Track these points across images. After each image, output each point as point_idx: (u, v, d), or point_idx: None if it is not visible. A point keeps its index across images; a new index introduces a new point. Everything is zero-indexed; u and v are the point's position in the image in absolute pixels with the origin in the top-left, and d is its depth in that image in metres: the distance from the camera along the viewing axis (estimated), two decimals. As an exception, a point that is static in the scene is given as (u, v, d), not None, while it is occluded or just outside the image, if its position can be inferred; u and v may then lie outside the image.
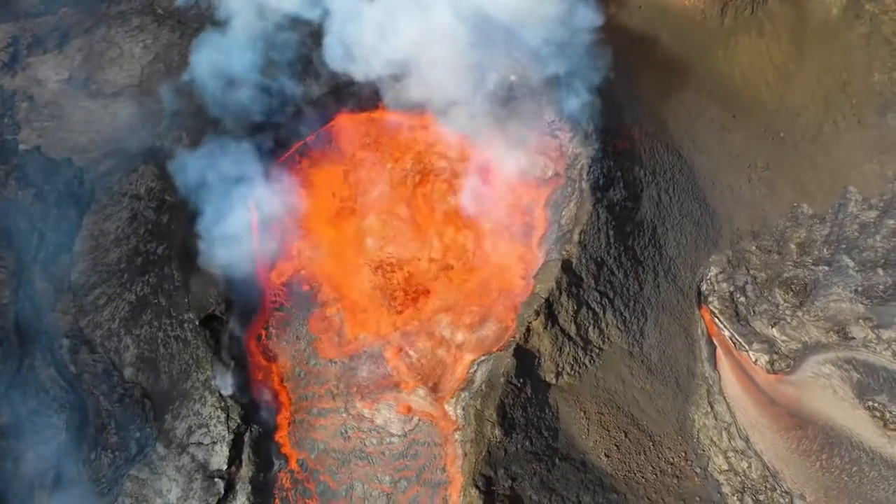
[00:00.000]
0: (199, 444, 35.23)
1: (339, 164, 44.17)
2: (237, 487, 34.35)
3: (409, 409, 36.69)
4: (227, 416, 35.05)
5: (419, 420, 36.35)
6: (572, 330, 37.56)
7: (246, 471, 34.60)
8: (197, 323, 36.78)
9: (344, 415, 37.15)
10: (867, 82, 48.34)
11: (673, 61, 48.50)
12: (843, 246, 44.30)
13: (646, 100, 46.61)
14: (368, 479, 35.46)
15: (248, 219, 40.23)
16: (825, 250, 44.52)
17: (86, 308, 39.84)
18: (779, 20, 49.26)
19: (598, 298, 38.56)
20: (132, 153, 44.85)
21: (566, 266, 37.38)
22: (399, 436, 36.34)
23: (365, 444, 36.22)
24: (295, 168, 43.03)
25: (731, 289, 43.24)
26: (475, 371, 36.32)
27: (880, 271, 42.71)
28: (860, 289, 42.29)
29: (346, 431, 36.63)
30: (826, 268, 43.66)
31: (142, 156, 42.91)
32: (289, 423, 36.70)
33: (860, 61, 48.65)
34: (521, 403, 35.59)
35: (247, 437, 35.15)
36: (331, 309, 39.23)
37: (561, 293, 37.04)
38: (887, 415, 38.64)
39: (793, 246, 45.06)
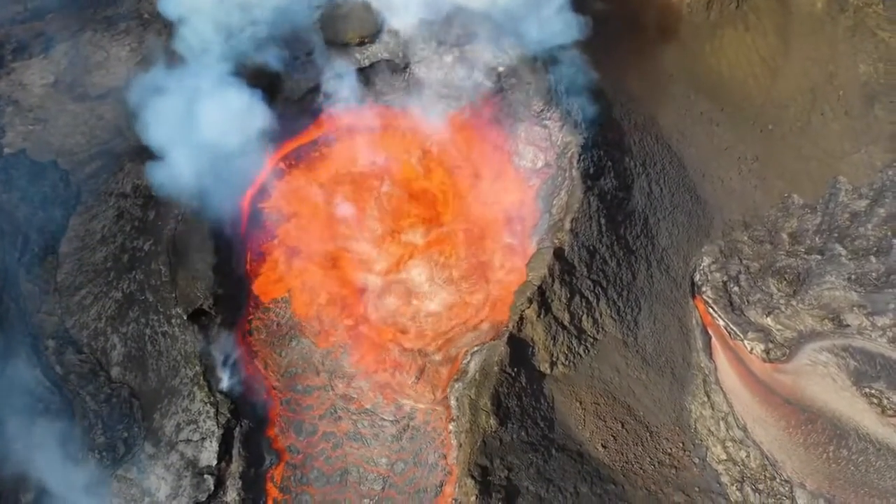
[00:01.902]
0: (188, 440, 34.47)
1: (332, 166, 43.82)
2: (227, 483, 33.55)
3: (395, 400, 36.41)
4: (217, 410, 34.33)
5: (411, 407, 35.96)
6: (566, 319, 37.14)
7: (236, 466, 33.83)
8: (185, 318, 36.12)
9: (331, 393, 36.69)
10: (853, 74, 48.66)
11: (660, 56, 48.69)
12: (835, 235, 44.30)
13: (634, 93, 46.68)
14: (364, 461, 34.84)
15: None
16: (817, 239, 44.50)
17: (72, 308, 39.24)
18: (764, 14, 49.63)
19: (592, 287, 38.20)
20: (119, 154, 44.57)
21: (558, 254, 37.02)
22: (391, 420, 35.82)
23: (357, 426, 35.63)
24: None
25: (725, 278, 43.05)
26: (468, 362, 35.80)
27: (873, 259, 42.71)
28: (853, 277, 42.28)
29: (336, 411, 36.07)
30: (819, 257, 43.59)
31: (129, 154, 42.43)
32: (276, 410, 36.06)
33: (846, 53, 49.01)
34: (515, 393, 35.06)
35: (237, 432, 34.39)
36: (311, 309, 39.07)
37: (554, 281, 36.64)
38: (885, 401, 38.45)
39: (785, 236, 45.02)
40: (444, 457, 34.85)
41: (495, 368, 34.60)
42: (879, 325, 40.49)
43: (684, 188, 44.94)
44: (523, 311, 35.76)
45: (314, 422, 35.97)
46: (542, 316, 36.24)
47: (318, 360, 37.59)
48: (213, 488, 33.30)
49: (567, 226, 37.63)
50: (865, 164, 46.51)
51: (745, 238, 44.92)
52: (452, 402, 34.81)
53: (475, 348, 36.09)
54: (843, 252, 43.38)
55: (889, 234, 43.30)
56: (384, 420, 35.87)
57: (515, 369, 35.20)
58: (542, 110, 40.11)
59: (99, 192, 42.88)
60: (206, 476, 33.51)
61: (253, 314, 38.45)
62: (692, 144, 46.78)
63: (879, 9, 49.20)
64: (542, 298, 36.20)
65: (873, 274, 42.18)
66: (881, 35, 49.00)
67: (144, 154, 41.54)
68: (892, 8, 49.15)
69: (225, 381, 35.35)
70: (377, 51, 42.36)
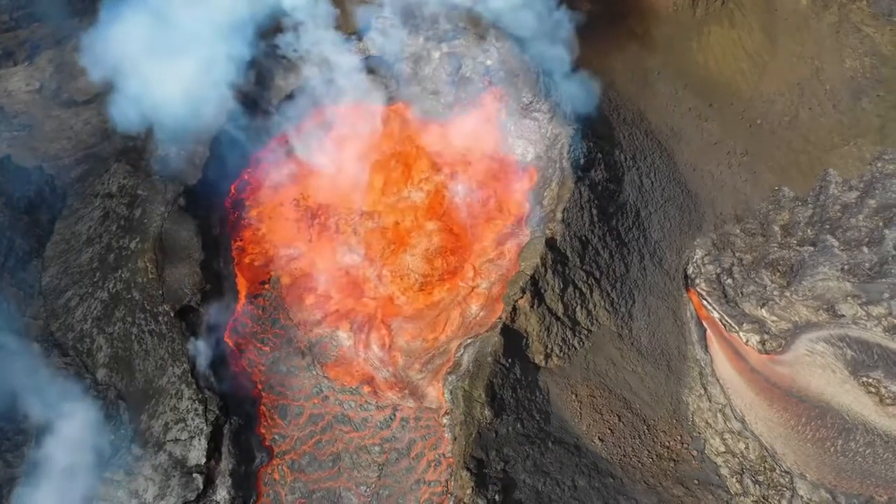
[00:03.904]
0: (177, 440, 33.62)
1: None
2: (217, 481, 32.61)
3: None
4: (206, 407, 33.50)
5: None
6: (559, 310, 36.67)
7: (226, 464, 32.92)
8: (172, 315, 35.42)
9: (315, 371, 36.29)
10: (839, 68, 48.98)
11: (647, 53, 48.78)
12: (827, 226, 44.21)
13: (622, 90, 46.67)
14: (356, 448, 34.09)
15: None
16: (809, 231, 44.38)
17: (57, 311, 38.59)
18: (749, 11, 50.00)
19: (585, 278, 37.80)
20: (105, 158, 44.28)
21: (550, 243, 36.64)
22: (377, 406, 35.17)
23: (344, 408, 35.00)
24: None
25: (718, 271, 42.80)
26: (462, 354, 35.17)
27: (865, 249, 42.61)
28: (846, 267, 42.15)
29: (322, 391, 35.54)
30: (811, 248, 43.46)
31: (115, 155, 42.07)
32: (264, 400, 35.39)
33: (831, 48, 49.37)
34: (510, 384, 34.46)
35: (226, 429, 33.53)
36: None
37: (546, 271, 36.22)
38: (883, 390, 38.23)
39: (777, 228, 44.89)
40: (443, 456, 34.09)
41: (489, 359, 34.03)
42: (874, 314, 40.31)
43: (675, 182, 44.82)
44: (516, 301, 35.27)
45: (300, 402, 35.31)
46: (535, 306, 35.77)
47: (305, 345, 37.11)
48: (202, 487, 32.39)
49: (559, 216, 37.32)
50: (855, 156, 46.63)
51: (738, 231, 44.77)
52: (446, 395, 34.16)
53: (468, 341, 35.52)
54: (836, 243, 43.27)
55: (881, 224, 43.27)
56: (369, 403, 35.25)
57: (509, 360, 34.64)
58: (530, 102, 39.96)
59: (85, 194, 42.44)
60: (194, 475, 32.62)
61: (241, 308, 37.80)
62: (682, 139, 46.78)
63: (863, 5, 49.76)
64: (535, 288, 35.76)
65: (866, 264, 42.06)
66: (866, 30, 49.44)
67: (131, 154, 41.56)
68: (876, 4, 49.69)
69: (213, 378, 34.52)
70: (364, 47, 42.26)
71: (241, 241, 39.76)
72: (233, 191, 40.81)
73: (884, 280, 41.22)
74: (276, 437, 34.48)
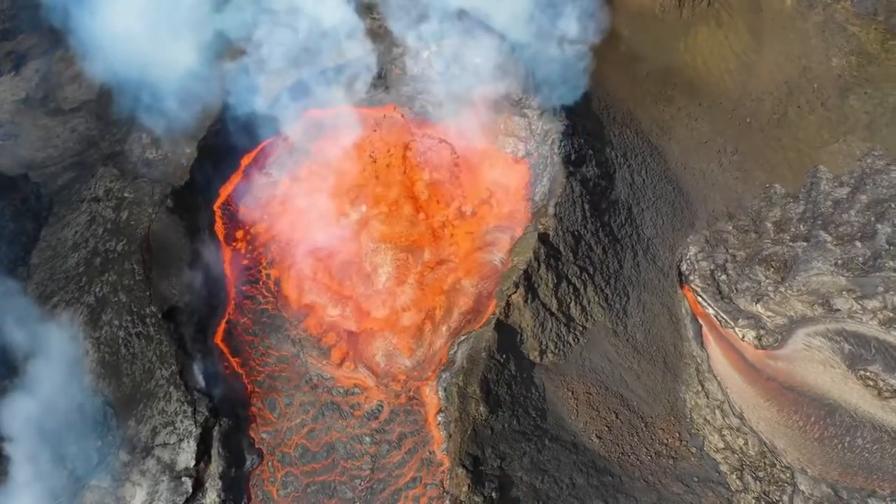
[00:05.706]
0: (165, 444, 32.81)
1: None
2: (207, 485, 31.82)
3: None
4: (195, 409, 32.75)
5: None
6: (553, 305, 36.23)
7: (216, 466, 32.12)
8: (160, 316, 34.75)
9: (303, 358, 35.87)
10: (826, 67, 49.21)
11: (635, 54, 48.92)
12: (819, 222, 44.11)
13: (612, 90, 46.73)
14: (349, 438, 33.35)
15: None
16: (802, 227, 44.27)
17: (43, 317, 37.77)
18: (735, 11, 50.32)
19: (578, 273, 37.42)
20: (91, 165, 43.78)
21: (543, 238, 36.34)
22: (367, 395, 34.67)
23: (332, 395, 34.40)
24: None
25: (712, 267, 42.57)
26: (455, 352, 34.66)
27: (858, 244, 42.50)
28: (840, 262, 42.00)
29: (312, 379, 34.94)
30: (804, 244, 43.33)
31: (102, 160, 41.65)
32: (252, 389, 34.82)
33: (817, 48, 49.64)
34: (505, 380, 33.89)
35: (216, 432, 32.77)
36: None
37: (539, 265, 35.85)
38: (880, 383, 37.91)
39: (769, 224, 44.75)
40: (433, 453, 33.40)
41: (483, 355, 33.51)
42: (869, 308, 40.12)
43: (666, 180, 44.70)
44: (510, 296, 34.83)
45: (290, 392, 34.72)
46: (529, 302, 35.34)
47: (294, 336, 36.68)
48: (191, 490, 31.59)
49: (551, 210, 37.06)
50: (844, 153, 46.70)
51: (730, 228, 44.61)
52: (440, 393, 33.62)
53: (462, 337, 35.01)
54: (829, 238, 43.15)
55: (872, 219, 43.19)
56: (357, 391, 34.72)
57: (504, 356, 34.12)
58: (520, 99, 39.82)
59: (71, 200, 41.93)
60: (184, 478, 31.79)
61: (231, 306, 37.23)
62: (672, 138, 46.80)
63: (847, 4, 50.11)
64: (528, 283, 35.35)
65: (860, 258, 41.90)
66: (851, 29, 49.74)
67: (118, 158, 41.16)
68: (860, 3, 50.05)
69: (202, 379, 33.83)
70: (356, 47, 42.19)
71: (231, 240, 39.28)
72: (222, 191, 40.37)
73: (878, 274, 41.05)
74: (265, 434, 33.78)
